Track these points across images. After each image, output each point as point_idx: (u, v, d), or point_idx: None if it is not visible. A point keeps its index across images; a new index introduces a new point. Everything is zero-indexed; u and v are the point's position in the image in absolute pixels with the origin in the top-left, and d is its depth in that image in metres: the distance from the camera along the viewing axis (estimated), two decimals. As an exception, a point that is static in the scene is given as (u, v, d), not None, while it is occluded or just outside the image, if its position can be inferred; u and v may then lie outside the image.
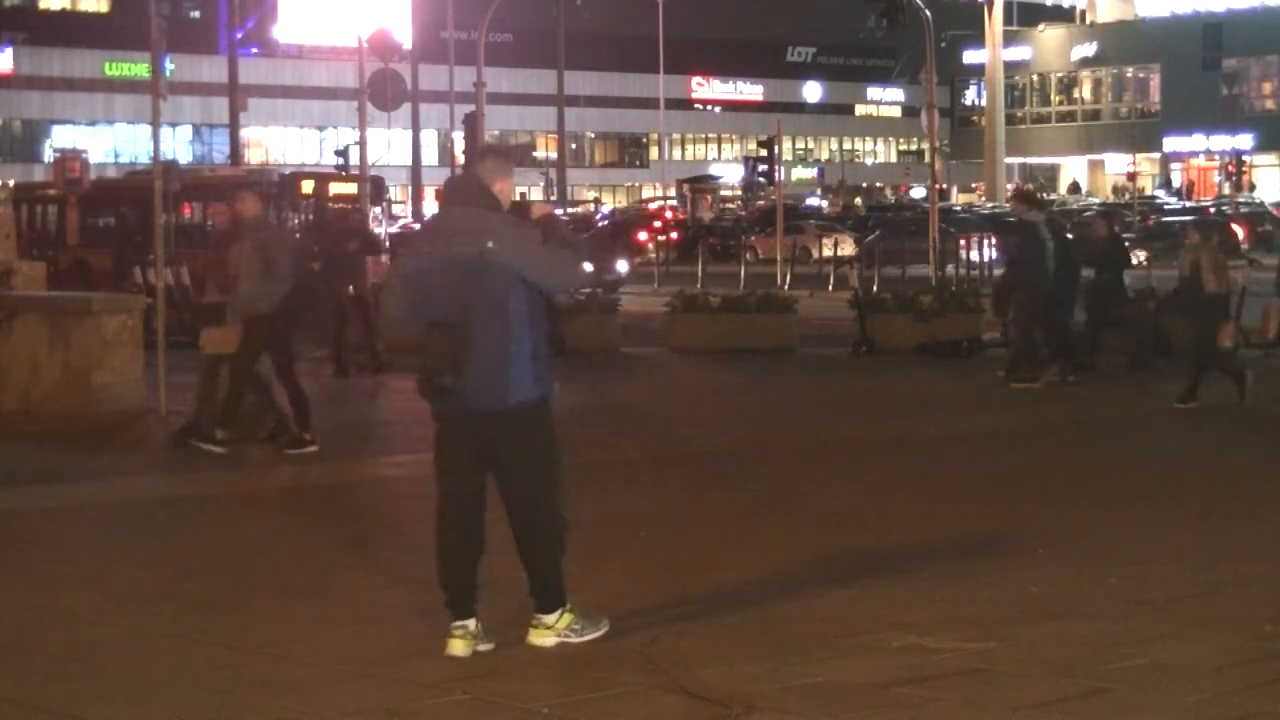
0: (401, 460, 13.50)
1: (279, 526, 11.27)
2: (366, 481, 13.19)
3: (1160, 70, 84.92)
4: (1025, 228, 19.41)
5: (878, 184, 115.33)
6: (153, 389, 16.58)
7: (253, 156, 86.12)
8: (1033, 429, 15.89)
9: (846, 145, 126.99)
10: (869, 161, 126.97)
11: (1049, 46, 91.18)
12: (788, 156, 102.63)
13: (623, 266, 39.18)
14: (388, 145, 51.07)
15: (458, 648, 7.52)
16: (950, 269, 31.55)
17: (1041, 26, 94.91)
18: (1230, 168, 71.36)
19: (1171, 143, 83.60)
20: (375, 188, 35.14)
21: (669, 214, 67.46)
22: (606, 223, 61.01)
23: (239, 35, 65.97)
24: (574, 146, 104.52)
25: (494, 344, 7.41)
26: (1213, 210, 58.34)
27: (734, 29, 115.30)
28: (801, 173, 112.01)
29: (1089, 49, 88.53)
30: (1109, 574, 9.20)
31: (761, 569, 9.44)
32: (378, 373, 20.38)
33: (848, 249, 47.41)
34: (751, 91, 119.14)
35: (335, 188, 37.71)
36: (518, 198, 8.41)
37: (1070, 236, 21.48)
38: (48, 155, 78.53)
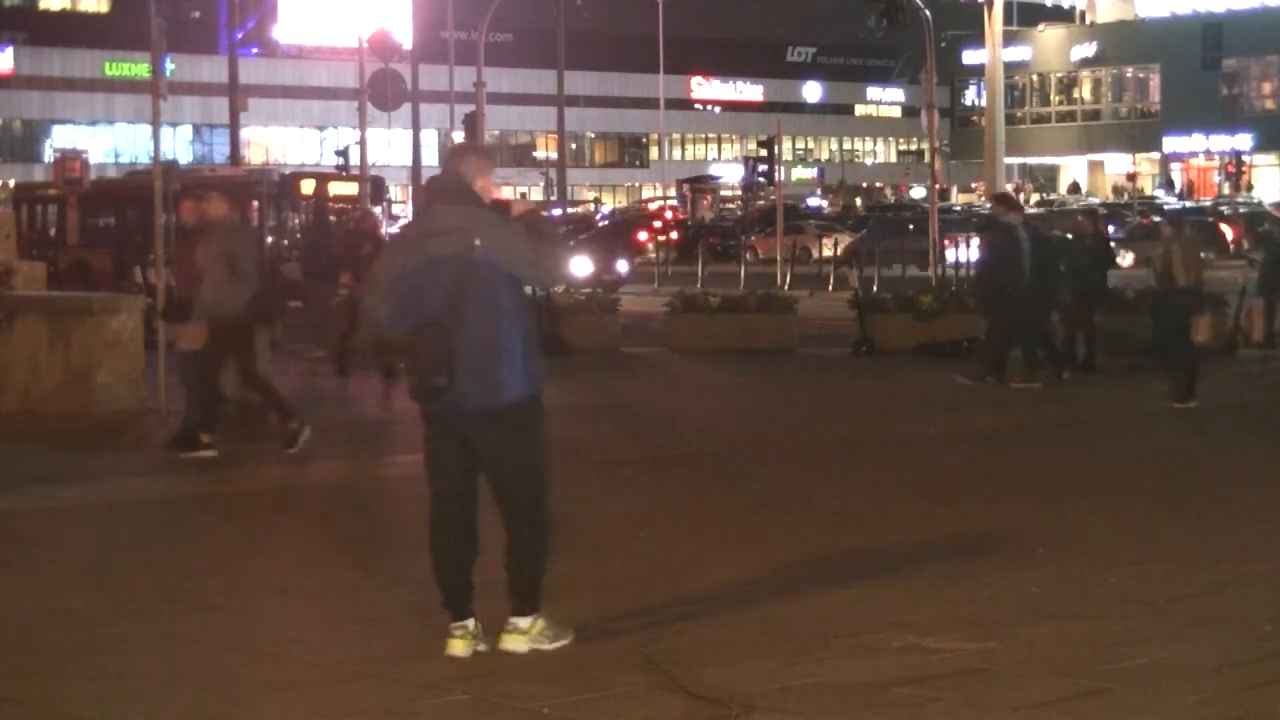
0: (402, 460, 13.48)
1: (279, 527, 11.27)
2: (366, 481, 13.18)
3: (1160, 70, 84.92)
4: (1002, 230, 19.50)
5: (878, 184, 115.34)
6: (153, 389, 16.58)
7: (253, 156, 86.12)
8: (1033, 429, 15.88)
9: (846, 145, 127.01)
10: (869, 161, 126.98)
11: (1049, 46, 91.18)
12: (788, 156, 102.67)
13: (623, 266, 39.20)
14: (388, 145, 51.07)
15: (458, 648, 7.51)
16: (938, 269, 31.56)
17: (1041, 26, 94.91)
18: (1230, 168, 71.40)
19: (1171, 143, 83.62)
20: (375, 188, 35.17)
21: (669, 214, 67.50)
22: (606, 223, 61.01)
23: (239, 35, 65.94)
24: (574, 146, 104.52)
25: (485, 343, 7.38)
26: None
27: (734, 29, 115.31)
28: (801, 173, 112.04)
29: (1089, 49, 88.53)
30: (1109, 574, 9.20)
31: (761, 569, 9.44)
32: (387, 377, 20.35)
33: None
34: (751, 91, 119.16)
35: (335, 188, 37.77)
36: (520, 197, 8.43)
37: (1062, 235, 21.52)
38: (48, 155, 78.59)
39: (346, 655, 7.59)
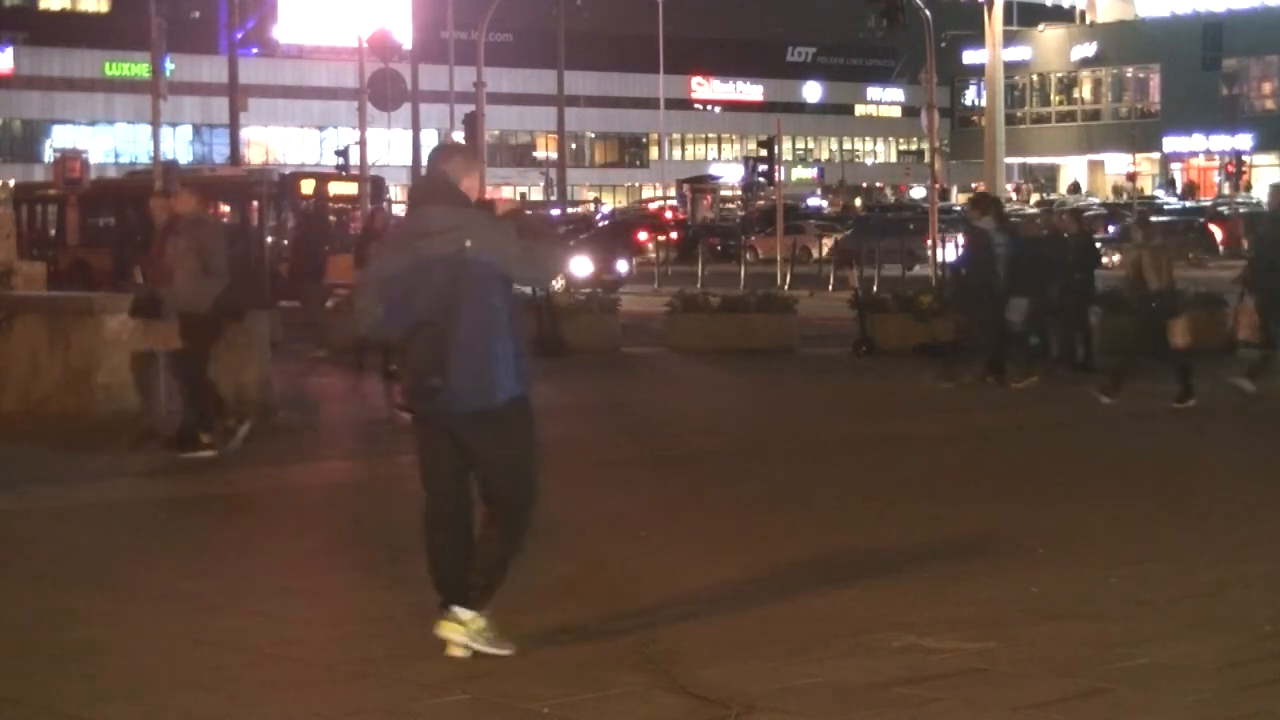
0: (402, 460, 13.46)
1: (279, 527, 11.28)
2: (366, 481, 13.18)
3: (1160, 70, 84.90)
4: (975, 234, 19.55)
5: (878, 184, 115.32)
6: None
7: (253, 156, 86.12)
8: (1033, 429, 15.89)
9: (846, 145, 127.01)
10: (869, 161, 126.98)
11: (1049, 46, 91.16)
12: (788, 156, 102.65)
13: (623, 267, 39.20)
14: (388, 145, 51.08)
15: (458, 648, 7.51)
16: (918, 268, 31.66)
17: (1041, 26, 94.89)
18: (1230, 168, 71.39)
19: (1171, 143, 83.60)
20: (375, 188, 35.18)
21: (669, 214, 67.50)
22: (606, 223, 61.01)
23: (239, 35, 65.94)
24: (574, 146, 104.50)
25: (479, 343, 7.35)
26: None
27: (734, 29, 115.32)
28: (801, 173, 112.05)
29: (1089, 49, 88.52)
30: (1109, 574, 9.20)
31: (761, 569, 9.44)
32: (388, 378, 20.34)
33: None
34: (751, 91, 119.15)
35: (335, 187, 37.77)
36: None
37: (1047, 235, 21.52)
38: (48, 155, 78.55)
39: (346, 655, 7.59)
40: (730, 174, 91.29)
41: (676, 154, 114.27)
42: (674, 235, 56.20)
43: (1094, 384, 17.29)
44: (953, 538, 10.36)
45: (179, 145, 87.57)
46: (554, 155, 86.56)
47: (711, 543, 10.28)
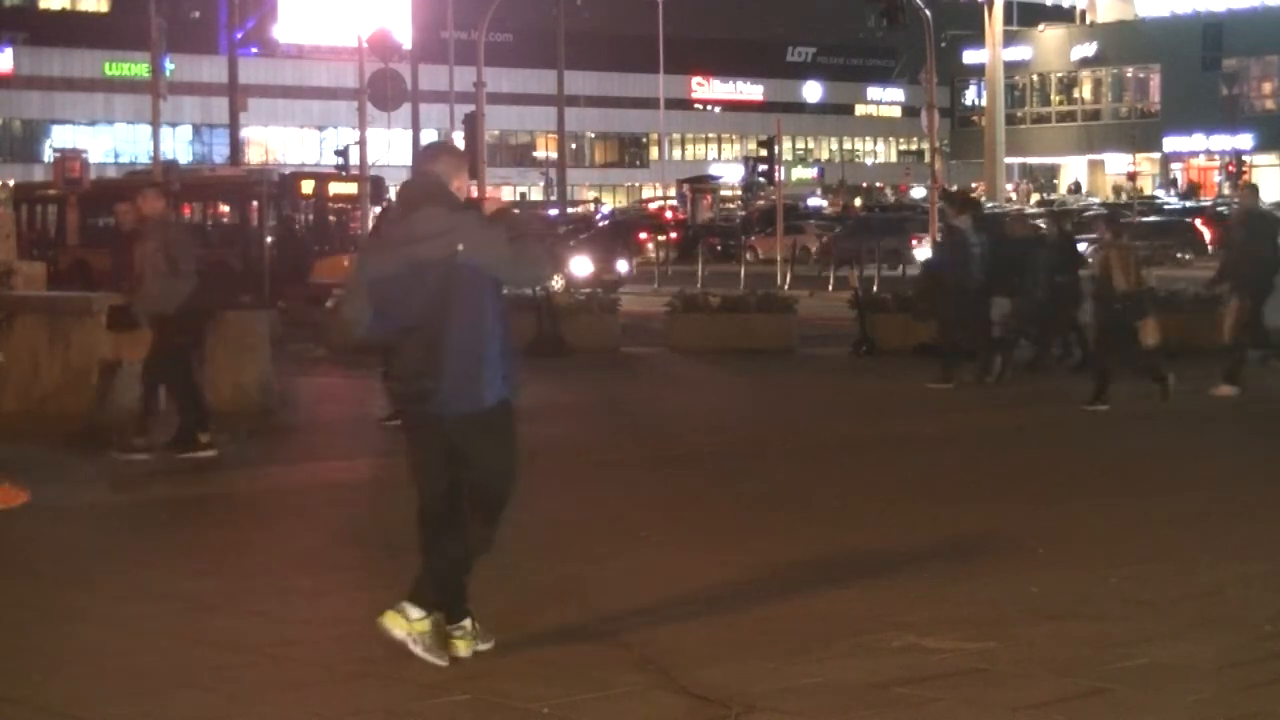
0: (401, 460, 13.45)
1: (279, 527, 11.27)
2: (366, 481, 13.18)
3: (1160, 70, 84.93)
4: (950, 232, 19.56)
5: (878, 184, 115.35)
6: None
7: (253, 156, 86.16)
8: (1033, 429, 15.89)
9: (846, 145, 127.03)
10: (869, 161, 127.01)
11: (1049, 46, 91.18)
12: (788, 156, 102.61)
13: (623, 267, 39.20)
14: (388, 145, 51.08)
15: (459, 648, 7.50)
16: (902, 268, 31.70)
17: (1041, 26, 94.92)
18: (1230, 167, 71.40)
19: (1171, 143, 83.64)
20: (375, 188, 35.19)
21: (669, 214, 67.49)
22: (606, 223, 61.02)
23: (239, 35, 65.95)
24: (574, 146, 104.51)
25: (469, 347, 7.31)
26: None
27: (734, 29, 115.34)
28: (801, 173, 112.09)
29: (1089, 49, 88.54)
30: (1109, 574, 9.20)
31: (761, 569, 9.44)
32: (388, 379, 20.32)
33: None
34: (751, 91, 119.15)
35: (335, 187, 37.77)
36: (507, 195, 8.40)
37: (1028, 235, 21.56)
38: (48, 155, 78.53)
39: (346, 655, 7.59)
40: (730, 174, 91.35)
41: (676, 154, 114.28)
42: (674, 235, 56.20)
43: (1081, 399, 17.03)
44: (953, 538, 10.36)
45: (179, 145, 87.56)
46: (554, 155, 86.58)
47: (711, 543, 10.28)
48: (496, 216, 7.53)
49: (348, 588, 9.05)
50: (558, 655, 7.57)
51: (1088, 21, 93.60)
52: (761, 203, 64.84)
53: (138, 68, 74.22)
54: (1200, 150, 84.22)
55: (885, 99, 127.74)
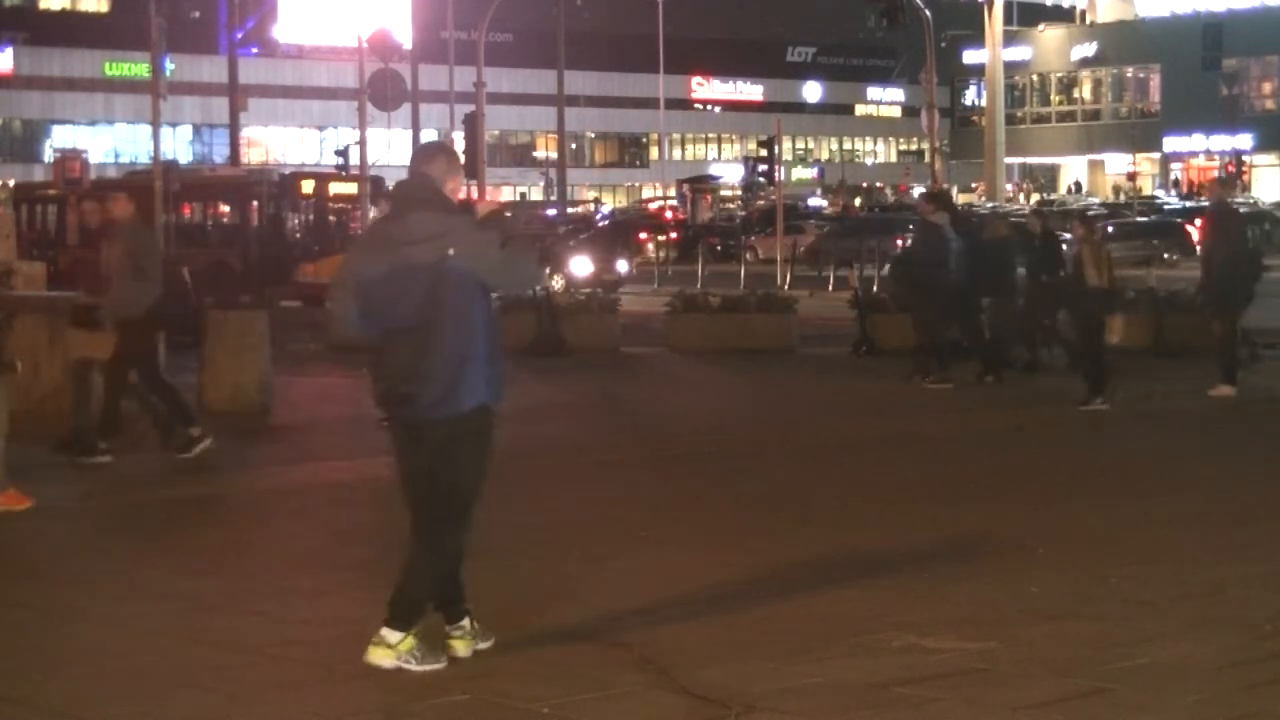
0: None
1: (278, 526, 11.27)
2: (366, 481, 13.17)
3: (1160, 70, 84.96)
4: (928, 229, 19.56)
5: (878, 184, 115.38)
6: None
7: (253, 156, 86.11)
8: (1033, 429, 15.88)
9: (846, 145, 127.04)
10: (869, 161, 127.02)
11: (1049, 46, 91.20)
12: (788, 156, 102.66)
13: (623, 267, 39.21)
14: (388, 145, 51.10)
15: (458, 648, 7.50)
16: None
17: (1041, 26, 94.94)
18: (1230, 168, 71.38)
19: (1171, 143, 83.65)
20: (375, 188, 35.21)
21: (669, 214, 67.48)
22: (606, 223, 61.03)
23: (239, 35, 65.99)
24: (574, 146, 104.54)
25: (456, 351, 7.27)
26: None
27: (734, 29, 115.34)
28: (801, 173, 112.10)
29: (1089, 49, 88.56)
30: (1109, 574, 9.20)
31: (761, 569, 9.44)
32: None
33: None
34: (751, 91, 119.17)
35: (335, 187, 37.79)
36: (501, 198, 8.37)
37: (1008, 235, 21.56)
38: (48, 155, 78.57)
39: (346, 655, 7.58)
40: (730, 174, 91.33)
41: (676, 154, 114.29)
42: (674, 235, 56.20)
43: (1076, 399, 17.03)
44: (953, 538, 10.36)
45: (179, 145, 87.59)
46: (554, 155, 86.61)
47: (711, 543, 10.28)
48: (489, 219, 7.51)
49: (348, 588, 9.05)
50: (558, 655, 7.57)
51: (1088, 21, 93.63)
52: (761, 203, 64.82)
53: (138, 68, 74.23)
54: (1200, 150, 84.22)
55: (885, 99, 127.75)
